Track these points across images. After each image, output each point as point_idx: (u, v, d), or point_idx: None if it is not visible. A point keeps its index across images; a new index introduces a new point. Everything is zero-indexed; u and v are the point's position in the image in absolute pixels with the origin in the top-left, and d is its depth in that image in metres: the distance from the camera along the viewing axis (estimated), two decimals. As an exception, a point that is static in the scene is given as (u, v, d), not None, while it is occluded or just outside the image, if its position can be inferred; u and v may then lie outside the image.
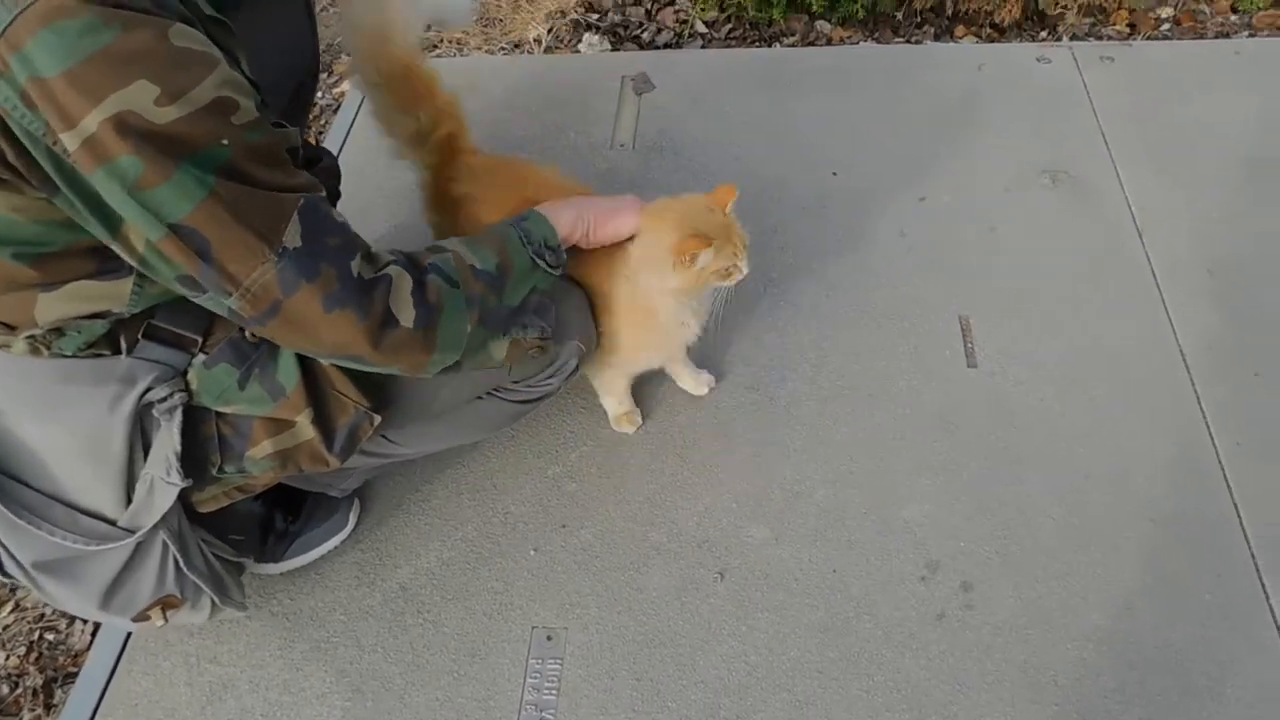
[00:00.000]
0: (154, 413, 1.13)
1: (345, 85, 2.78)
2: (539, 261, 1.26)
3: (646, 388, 1.85)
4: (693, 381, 1.84)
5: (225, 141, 0.94)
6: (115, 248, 0.97)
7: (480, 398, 1.43)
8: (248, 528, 1.54)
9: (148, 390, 1.12)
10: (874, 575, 1.59)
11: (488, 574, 1.63)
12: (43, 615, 1.76)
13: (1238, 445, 1.72)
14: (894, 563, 1.61)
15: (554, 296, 1.35)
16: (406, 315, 1.09)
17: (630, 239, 1.40)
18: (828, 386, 1.85)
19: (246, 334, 1.17)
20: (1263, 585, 1.54)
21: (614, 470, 1.75)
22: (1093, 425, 1.76)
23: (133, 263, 0.99)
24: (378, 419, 1.26)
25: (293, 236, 0.99)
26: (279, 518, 1.60)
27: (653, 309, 1.46)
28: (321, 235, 1.03)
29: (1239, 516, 1.62)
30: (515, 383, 1.42)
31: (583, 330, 1.43)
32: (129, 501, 1.16)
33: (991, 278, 2.02)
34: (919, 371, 1.86)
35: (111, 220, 0.94)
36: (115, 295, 1.07)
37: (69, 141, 0.87)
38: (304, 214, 1.01)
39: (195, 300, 1.03)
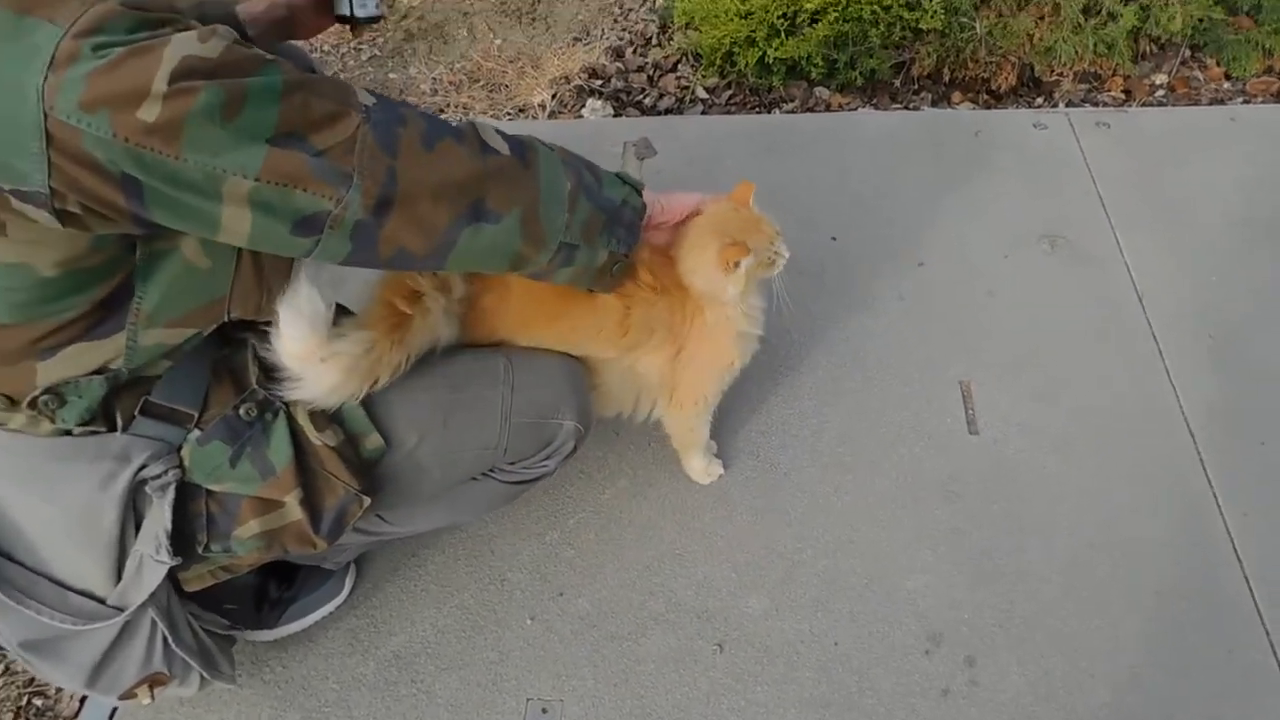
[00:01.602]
0: (147, 490, 1.12)
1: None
2: (623, 177, 1.28)
3: (641, 455, 1.84)
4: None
5: (270, 58, 0.96)
6: (224, 228, 0.97)
7: (474, 479, 1.41)
8: (242, 598, 1.52)
9: (142, 467, 1.11)
10: (876, 648, 1.57)
11: (483, 643, 1.60)
12: (31, 680, 1.73)
13: (1245, 516, 1.70)
14: (896, 635, 1.58)
15: (556, 372, 1.37)
16: (500, 145, 1.11)
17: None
18: (828, 453, 1.84)
19: (241, 411, 1.17)
20: (1278, 662, 1.51)
21: (612, 537, 1.73)
22: (1096, 493, 1.75)
23: (243, 233, 0.98)
24: (367, 501, 1.24)
25: (365, 96, 1.01)
26: (273, 586, 1.58)
27: (724, 323, 1.48)
28: (385, 95, 1.05)
29: (1250, 590, 1.60)
30: (511, 464, 1.40)
31: (580, 410, 1.41)
32: (118, 579, 1.14)
33: (992, 343, 2.01)
34: (920, 438, 1.85)
35: (210, 191, 0.93)
36: (111, 350, 1.07)
37: (146, 113, 0.86)
38: (357, 85, 1.04)
39: (314, 255, 1.03)
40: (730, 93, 2.87)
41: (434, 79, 3.01)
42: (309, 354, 1.15)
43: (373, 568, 1.71)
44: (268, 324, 1.18)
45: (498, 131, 1.13)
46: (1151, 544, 1.67)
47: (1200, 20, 2.64)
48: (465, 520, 1.71)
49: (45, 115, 0.84)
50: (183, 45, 0.88)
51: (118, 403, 1.12)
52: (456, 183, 1.05)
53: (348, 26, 1.45)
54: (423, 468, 1.31)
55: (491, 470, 1.41)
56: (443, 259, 1.10)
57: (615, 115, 2.81)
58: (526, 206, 1.12)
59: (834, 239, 2.26)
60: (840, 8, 2.61)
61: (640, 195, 1.30)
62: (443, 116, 1.11)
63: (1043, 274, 2.15)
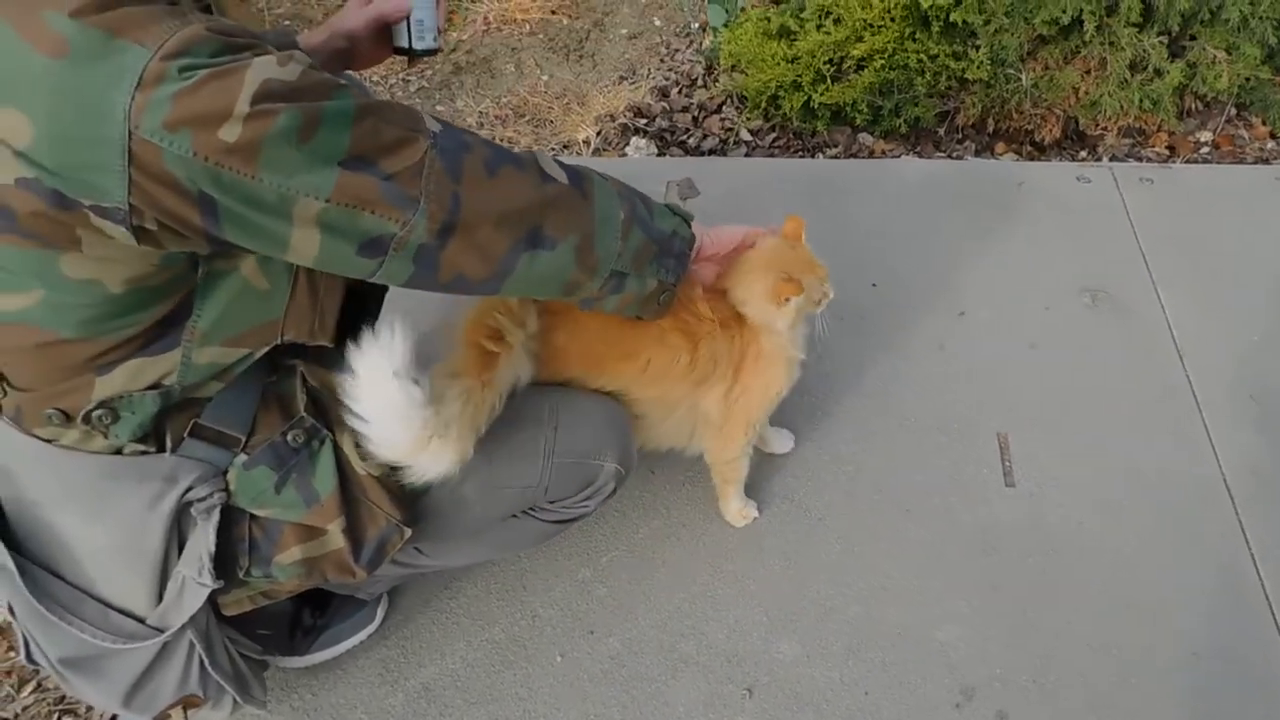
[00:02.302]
0: (192, 512, 1.14)
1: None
2: (674, 209, 1.33)
3: (676, 495, 1.85)
4: (777, 440, 1.89)
5: (343, 82, 0.99)
6: (293, 248, 1.00)
7: (514, 516, 1.42)
8: (276, 623, 1.54)
9: (189, 489, 1.13)
10: (907, 699, 1.55)
11: (512, 679, 1.61)
12: (63, 698, 1.75)
13: (1285, 580, 1.67)
14: (928, 687, 1.57)
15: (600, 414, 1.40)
16: (559, 174, 1.14)
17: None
18: (863, 499, 1.84)
19: (289, 438, 1.18)
20: (1314, 731, 1.49)
21: (645, 577, 1.73)
22: (1133, 551, 1.73)
23: (311, 254, 1.01)
24: (408, 532, 1.25)
25: (432, 123, 1.05)
26: (307, 613, 1.60)
27: (777, 350, 1.52)
28: (448, 121, 1.09)
29: (1288, 655, 1.58)
30: (551, 503, 1.41)
31: (622, 453, 1.42)
32: (159, 600, 1.16)
33: (1031, 395, 2.01)
34: (956, 488, 1.84)
35: (282, 212, 0.96)
36: (166, 366, 1.09)
37: (227, 133, 0.89)
38: (424, 110, 1.08)
39: (376, 277, 1.06)
40: (774, 136, 2.90)
41: (480, 112, 3.06)
42: (419, 443, 1.17)
43: (405, 598, 1.72)
44: (319, 349, 1.21)
45: (556, 160, 1.17)
46: (1188, 605, 1.65)
47: (1247, 79, 2.64)
48: (501, 556, 1.72)
49: (130, 134, 0.87)
50: (263, 69, 0.91)
51: (168, 423, 1.14)
52: (517, 210, 1.09)
53: (404, 58, 1.49)
54: (465, 503, 1.33)
55: (532, 509, 1.42)
56: (499, 284, 1.13)
57: (659, 154, 2.84)
58: (582, 235, 1.15)
59: (874, 285, 2.27)
60: (886, 55, 2.63)
61: (690, 226, 1.33)
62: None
63: (1083, 328, 2.14)
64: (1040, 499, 1.82)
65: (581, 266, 1.17)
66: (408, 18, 1.41)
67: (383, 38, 1.45)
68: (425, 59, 1.52)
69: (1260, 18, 2.52)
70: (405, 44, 1.43)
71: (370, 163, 0.98)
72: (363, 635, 1.64)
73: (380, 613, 1.66)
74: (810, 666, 1.60)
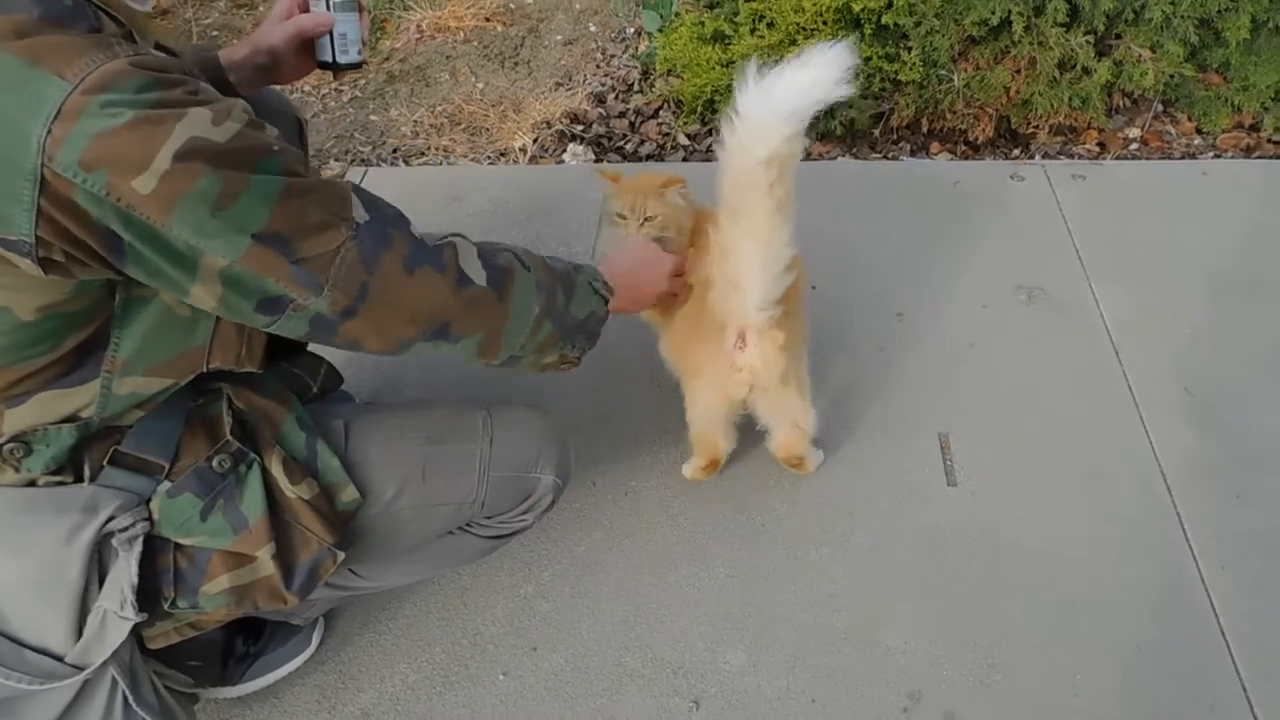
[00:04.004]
0: (113, 543, 1.09)
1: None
2: (594, 285, 1.34)
3: (619, 505, 1.82)
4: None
5: (276, 148, 0.98)
6: (193, 295, 0.98)
7: (451, 532, 1.39)
8: (206, 654, 1.48)
9: (109, 519, 1.08)
10: (855, 705, 1.54)
11: (454, 700, 1.57)
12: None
13: (1222, 570, 1.69)
14: (875, 692, 1.56)
15: (536, 426, 1.40)
16: (478, 275, 1.15)
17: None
18: (807, 504, 1.82)
19: (214, 463, 1.14)
20: (1254, 718, 1.50)
21: (588, 590, 1.70)
22: (1075, 548, 1.74)
23: (210, 304, 1.00)
24: (341, 556, 1.21)
25: (360, 212, 1.04)
26: (239, 641, 1.54)
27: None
28: (380, 207, 1.09)
29: (1228, 646, 1.59)
30: (488, 518, 1.38)
31: (560, 464, 1.40)
32: (79, 636, 1.11)
33: (970, 394, 2.01)
34: (899, 490, 1.84)
35: (187, 262, 0.95)
36: (83, 398, 1.05)
37: (142, 185, 0.87)
38: (358, 192, 1.07)
39: (270, 329, 1.05)
40: (711, 140, 2.89)
41: (415, 121, 3.01)
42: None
43: (342, 621, 1.67)
44: (246, 374, 1.18)
45: (485, 254, 1.17)
46: (1130, 600, 1.66)
47: (1171, 76, 2.69)
48: (439, 573, 1.68)
49: (43, 165, 0.85)
50: (195, 123, 0.90)
51: (86, 452, 1.10)
52: (426, 309, 1.11)
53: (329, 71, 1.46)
54: (399, 521, 1.29)
55: (468, 525, 1.39)
56: (397, 356, 1.16)
57: (596, 160, 2.82)
58: (489, 332, 1.18)
59: (814, 287, 2.26)
60: (820, 58, 2.64)
61: (606, 301, 1.37)
62: (425, 234, 1.16)
63: (1021, 325, 2.16)
64: (982, 498, 1.82)
65: (482, 355, 1.21)
66: (330, 32, 1.38)
67: (306, 52, 1.42)
68: (352, 72, 1.49)
69: (1181, 17, 2.57)
70: (329, 59, 1.41)
71: (285, 241, 0.97)
72: (298, 661, 1.59)
73: (316, 637, 1.62)
74: (757, 676, 1.58)
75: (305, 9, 1.39)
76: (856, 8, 2.57)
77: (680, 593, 1.70)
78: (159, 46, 1.04)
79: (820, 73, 1.24)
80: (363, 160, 2.87)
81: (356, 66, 1.44)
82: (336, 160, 2.87)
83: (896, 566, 1.73)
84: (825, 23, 2.61)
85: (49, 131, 0.84)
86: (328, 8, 1.37)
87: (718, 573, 1.73)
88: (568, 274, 1.30)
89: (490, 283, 1.16)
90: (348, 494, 1.23)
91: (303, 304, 1.01)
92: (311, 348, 1.38)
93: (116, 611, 1.09)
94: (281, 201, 0.96)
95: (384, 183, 2.66)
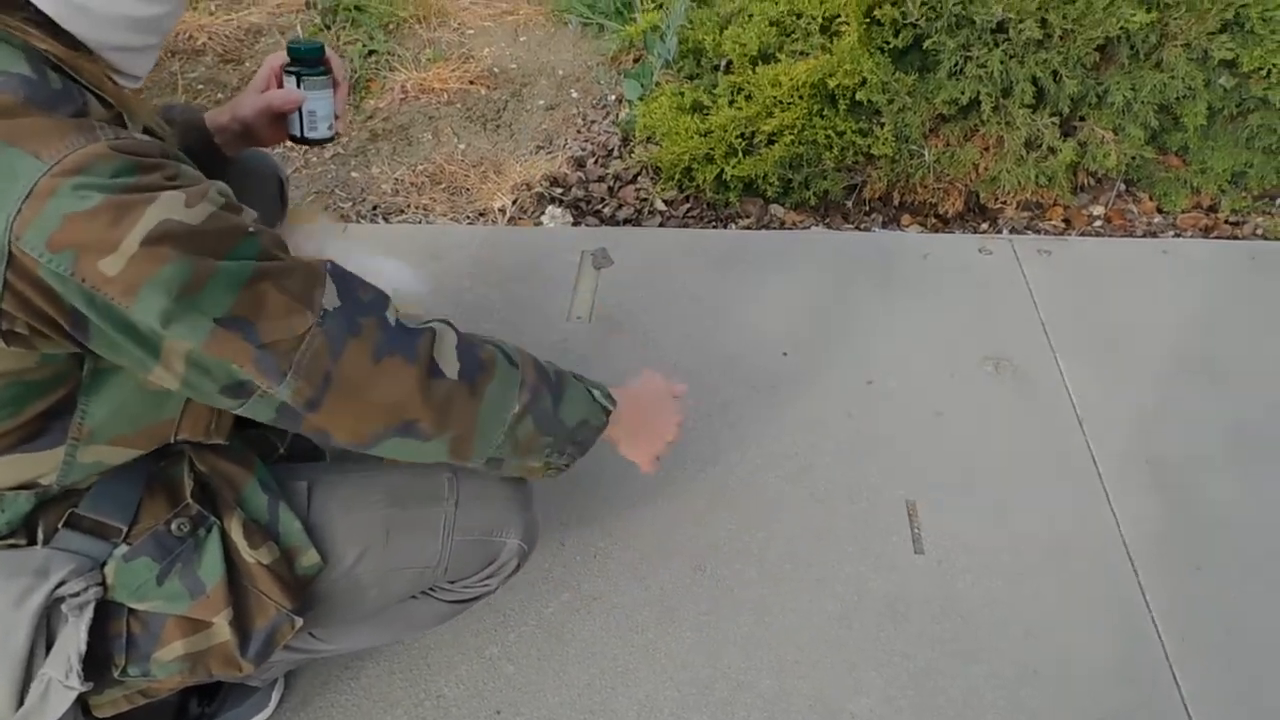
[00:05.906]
0: (63, 608, 1.06)
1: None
2: (594, 393, 1.27)
3: (587, 567, 1.82)
4: None
5: (251, 230, 0.97)
6: (155, 374, 0.97)
7: (413, 597, 1.37)
8: (159, 717, 1.45)
9: (60, 584, 1.05)
10: (819, 774, 1.53)
11: (415, 764, 1.55)
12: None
13: (1182, 640, 1.71)
14: (840, 761, 1.55)
15: (501, 490, 1.35)
16: (451, 367, 1.09)
17: None
18: (774, 569, 1.83)
19: (173, 526, 1.12)
20: (1214, 795, 1.51)
21: (554, 653, 1.69)
22: (1039, 617, 1.75)
23: (173, 385, 0.98)
24: (299, 622, 1.19)
25: (330, 298, 1.01)
26: (194, 703, 1.51)
27: None
28: (354, 292, 1.05)
29: (1188, 715, 1.60)
30: (451, 583, 1.36)
31: (526, 528, 1.38)
32: (20, 704, 1.07)
33: (937, 463, 2.04)
34: (867, 557, 1.85)
35: (150, 344, 0.93)
36: (46, 464, 1.03)
37: (108, 267, 0.87)
38: (334, 276, 1.04)
39: (239, 411, 1.02)
40: (688, 206, 2.94)
41: (396, 179, 3.05)
42: None
43: (302, 680, 1.64)
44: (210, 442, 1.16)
45: (459, 346, 1.12)
46: (1093, 669, 1.67)
47: (1133, 158, 2.78)
48: (401, 639, 1.66)
49: (10, 242, 0.85)
50: (167, 207, 0.90)
51: (42, 515, 1.08)
52: (391, 402, 1.06)
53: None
54: (361, 586, 1.27)
55: (431, 589, 1.37)
56: (367, 450, 1.11)
57: (575, 223, 2.86)
58: (460, 431, 1.12)
59: (785, 354, 2.30)
60: (796, 131, 2.71)
61: (606, 414, 1.29)
62: (400, 309, 1.12)
63: (987, 396, 2.20)
64: (948, 565, 1.84)
65: (454, 455, 1.15)
66: (299, 108, 1.41)
67: (279, 122, 1.45)
68: (324, 145, 1.51)
69: (1142, 102, 2.66)
70: (297, 134, 1.44)
71: (248, 326, 0.96)
72: (256, 722, 1.56)
73: (275, 697, 1.59)
74: (722, 742, 1.57)
75: (281, 83, 1.42)
76: (831, 84, 2.65)
77: (647, 656, 1.69)
78: (146, 130, 1.04)
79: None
80: (342, 216, 2.90)
81: (328, 141, 1.48)
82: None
83: (863, 633, 1.73)
84: (801, 97, 2.69)
85: (19, 210, 0.84)
86: (298, 84, 1.40)
87: (685, 636, 1.72)
88: (561, 377, 1.24)
89: (462, 375, 1.10)
90: (308, 558, 1.21)
91: (268, 392, 0.99)
92: None
93: (61, 680, 1.06)
94: (249, 285, 0.94)
95: (363, 239, 2.69)
